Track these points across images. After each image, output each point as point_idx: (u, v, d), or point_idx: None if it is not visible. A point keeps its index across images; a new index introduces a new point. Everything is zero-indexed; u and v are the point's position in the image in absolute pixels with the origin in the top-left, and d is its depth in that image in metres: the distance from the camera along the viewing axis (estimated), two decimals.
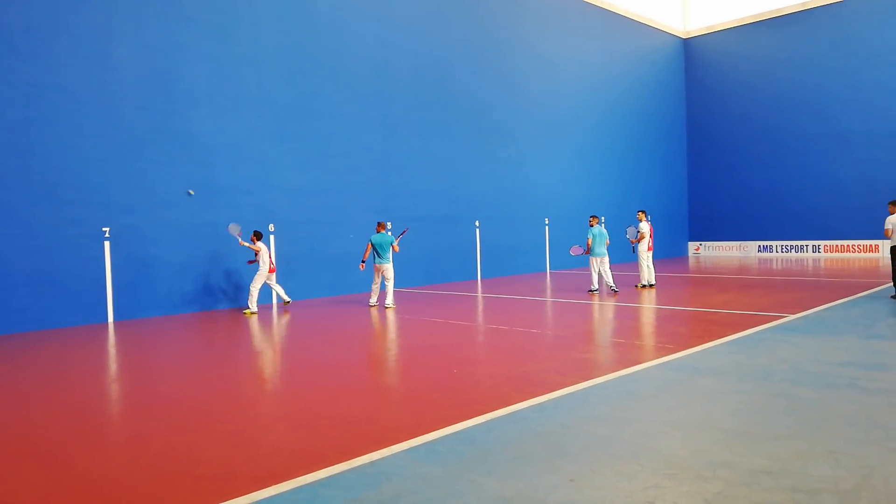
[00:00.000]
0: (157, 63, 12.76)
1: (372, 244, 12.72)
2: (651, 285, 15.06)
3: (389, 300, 12.80)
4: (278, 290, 13.27)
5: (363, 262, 13.00)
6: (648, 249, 15.12)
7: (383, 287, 13.22)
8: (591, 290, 14.28)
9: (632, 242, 15.41)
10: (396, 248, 12.88)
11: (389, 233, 13.64)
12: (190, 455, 4.57)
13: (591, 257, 14.44)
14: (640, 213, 15.77)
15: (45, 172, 11.43)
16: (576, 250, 14.73)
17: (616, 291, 14.16)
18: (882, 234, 23.26)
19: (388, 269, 12.76)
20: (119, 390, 6.97)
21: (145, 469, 4.34)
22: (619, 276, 16.87)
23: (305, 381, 7.00)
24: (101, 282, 12.02)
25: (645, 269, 15.05)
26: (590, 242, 14.37)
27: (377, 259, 12.74)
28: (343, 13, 15.89)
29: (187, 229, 13.13)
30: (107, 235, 12.08)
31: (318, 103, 15.34)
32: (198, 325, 11.45)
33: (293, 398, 6.21)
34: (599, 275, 14.53)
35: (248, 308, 12.67)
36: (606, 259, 14.41)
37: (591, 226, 14.64)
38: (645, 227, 15.16)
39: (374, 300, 13.03)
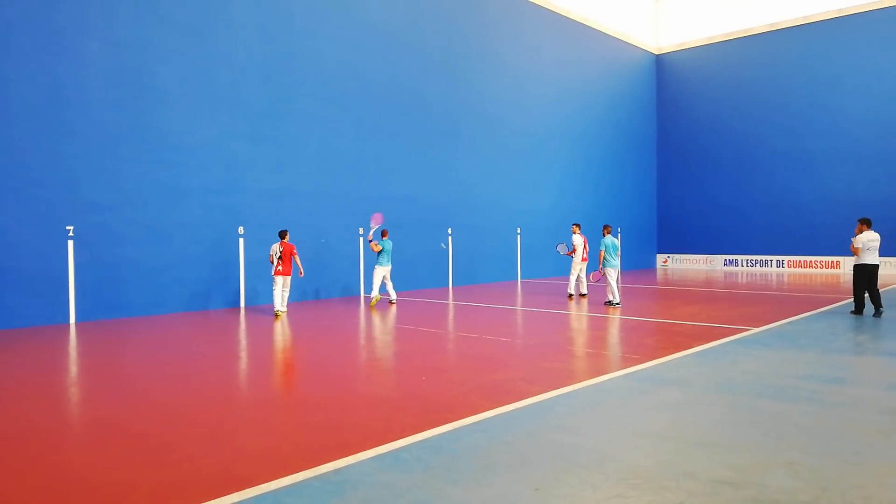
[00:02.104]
0: (128, 60, 12.54)
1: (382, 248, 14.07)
2: (582, 295, 15.56)
3: (374, 292, 14.01)
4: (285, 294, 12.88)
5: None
6: (582, 260, 15.50)
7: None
8: (613, 304, 13.68)
9: (568, 255, 15.69)
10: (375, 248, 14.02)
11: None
12: (152, 460, 4.48)
13: (605, 268, 13.87)
14: (574, 227, 16.00)
15: (8, 168, 11.13)
16: (561, 248, 15.20)
17: (609, 304, 13.76)
18: (840, 251, 24.15)
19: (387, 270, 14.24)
20: (78, 394, 6.81)
21: (106, 473, 4.24)
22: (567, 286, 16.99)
23: (271, 385, 6.91)
24: (64, 281, 11.75)
25: (573, 280, 15.47)
26: (602, 254, 13.89)
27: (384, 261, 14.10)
28: (319, 15, 15.83)
29: (155, 230, 12.91)
30: (70, 234, 11.81)
31: (292, 105, 15.24)
32: (162, 328, 11.25)
33: (258, 403, 6.12)
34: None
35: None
36: (617, 271, 13.90)
37: (604, 236, 14.14)
38: (578, 240, 15.47)
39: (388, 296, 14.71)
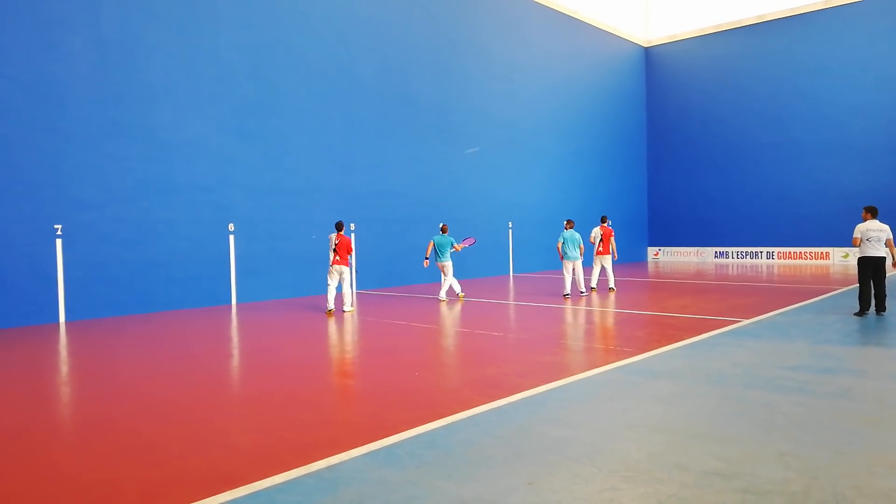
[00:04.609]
0: (114, 56, 12.43)
1: (434, 243, 14.08)
2: (591, 289, 15.42)
3: (457, 289, 14.17)
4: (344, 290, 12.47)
5: (426, 258, 14.17)
6: (598, 253, 15.31)
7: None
8: (564, 295, 14.26)
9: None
10: (458, 248, 14.19)
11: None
12: (142, 458, 4.45)
13: (563, 261, 14.50)
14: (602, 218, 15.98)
15: None
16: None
17: (583, 294, 14.46)
18: (829, 242, 24.32)
19: (448, 265, 14.09)
20: (67, 393, 6.76)
21: (96, 472, 4.21)
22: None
23: (264, 382, 6.88)
24: (52, 280, 11.66)
25: (596, 273, 15.41)
26: (560, 246, 14.43)
27: (438, 258, 14.04)
28: (306, 9, 15.74)
29: (143, 227, 12.82)
30: (59, 232, 11.72)
31: (279, 100, 15.16)
32: (152, 326, 11.19)
33: (250, 400, 6.10)
34: (573, 279, 14.66)
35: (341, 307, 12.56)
36: (578, 263, 14.39)
37: (566, 229, 14.73)
38: (597, 231, 15.39)
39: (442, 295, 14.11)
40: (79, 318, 11.93)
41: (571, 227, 14.79)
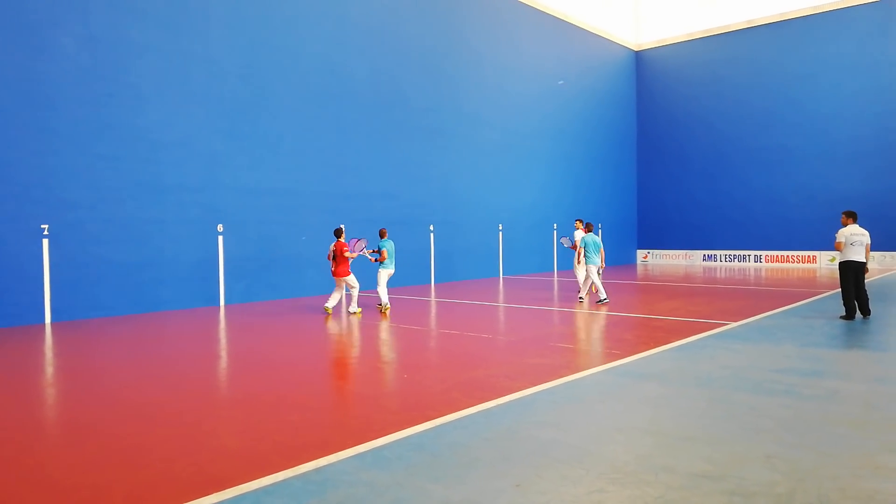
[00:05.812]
0: (104, 55, 12.34)
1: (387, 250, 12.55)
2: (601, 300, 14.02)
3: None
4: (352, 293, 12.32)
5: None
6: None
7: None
8: (580, 299, 13.72)
9: (572, 248, 15.16)
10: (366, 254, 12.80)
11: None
12: (128, 461, 4.42)
13: (586, 265, 13.60)
14: (577, 222, 15.37)
15: None
16: (565, 241, 15.05)
17: (581, 300, 13.67)
18: (816, 246, 24.51)
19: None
20: (53, 395, 6.70)
21: (81, 475, 4.18)
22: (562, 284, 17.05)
23: (251, 385, 6.85)
24: (39, 281, 11.55)
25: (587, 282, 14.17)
26: (582, 251, 13.61)
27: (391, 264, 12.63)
28: (297, 10, 15.70)
29: (131, 228, 12.73)
30: (45, 233, 11.62)
31: (270, 101, 15.10)
32: (139, 328, 11.11)
33: (238, 402, 6.07)
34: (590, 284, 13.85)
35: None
36: (594, 269, 13.47)
37: (585, 233, 13.84)
38: (579, 235, 14.74)
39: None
40: (65, 319, 11.82)
41: (590, 231, 13.89)
